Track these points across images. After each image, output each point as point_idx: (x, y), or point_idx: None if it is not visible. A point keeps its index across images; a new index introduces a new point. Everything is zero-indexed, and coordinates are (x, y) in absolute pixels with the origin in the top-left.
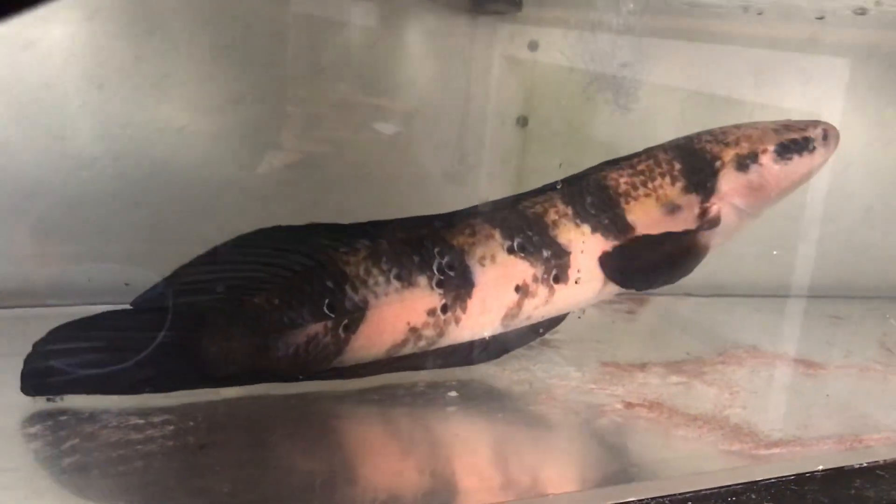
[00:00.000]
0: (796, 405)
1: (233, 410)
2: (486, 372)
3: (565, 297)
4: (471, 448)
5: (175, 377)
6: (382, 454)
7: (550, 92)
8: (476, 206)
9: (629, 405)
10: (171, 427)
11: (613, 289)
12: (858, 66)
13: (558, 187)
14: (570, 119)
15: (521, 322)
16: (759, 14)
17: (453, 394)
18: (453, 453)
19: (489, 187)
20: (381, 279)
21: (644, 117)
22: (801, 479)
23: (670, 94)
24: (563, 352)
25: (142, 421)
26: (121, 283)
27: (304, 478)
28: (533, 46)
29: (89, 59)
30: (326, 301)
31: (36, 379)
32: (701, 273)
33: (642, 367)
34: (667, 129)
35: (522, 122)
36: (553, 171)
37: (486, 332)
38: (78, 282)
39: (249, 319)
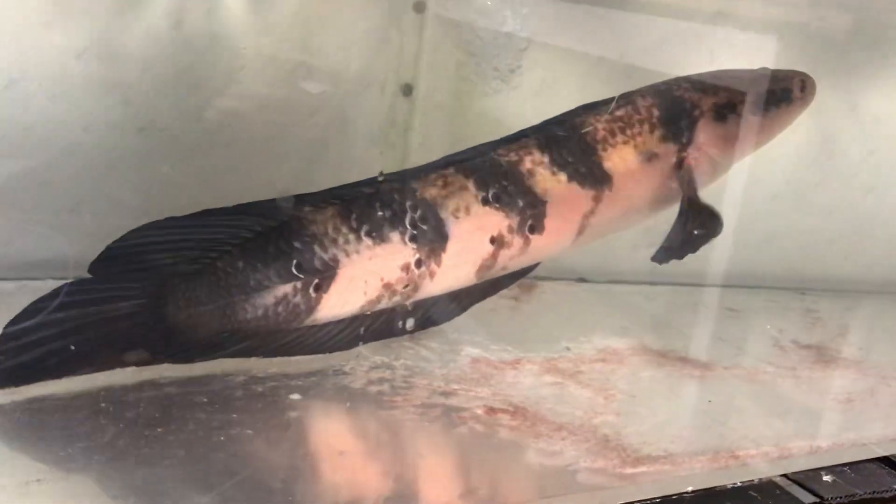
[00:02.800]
0: (674, 413)
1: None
2: (343, 368)
3: (540, 248)
4: (298, 464)
5: (142, 348)
6: (180, 474)
7: (437, 59)
8: (448, 157)
9: (491, 411)
10: None
11: (587, 239)
12: (773, 45)
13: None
14: (457, 88)
15: (496, 273)
16: None
17: (296, 396)
18: (277, 469)
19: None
20: (351, 237)
21: (539, 87)
22: (666, 501)
23: (569, 61)
24: (433, 345)
25: None
26: None
27: None
28: (419, 7)
29: None
30: (294, 261)
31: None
32: (596, 257)
33: (515, 363)
34: (564, 100)
35: (406, 90)
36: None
37: (462, 285)
38: None
39: (214, 283)
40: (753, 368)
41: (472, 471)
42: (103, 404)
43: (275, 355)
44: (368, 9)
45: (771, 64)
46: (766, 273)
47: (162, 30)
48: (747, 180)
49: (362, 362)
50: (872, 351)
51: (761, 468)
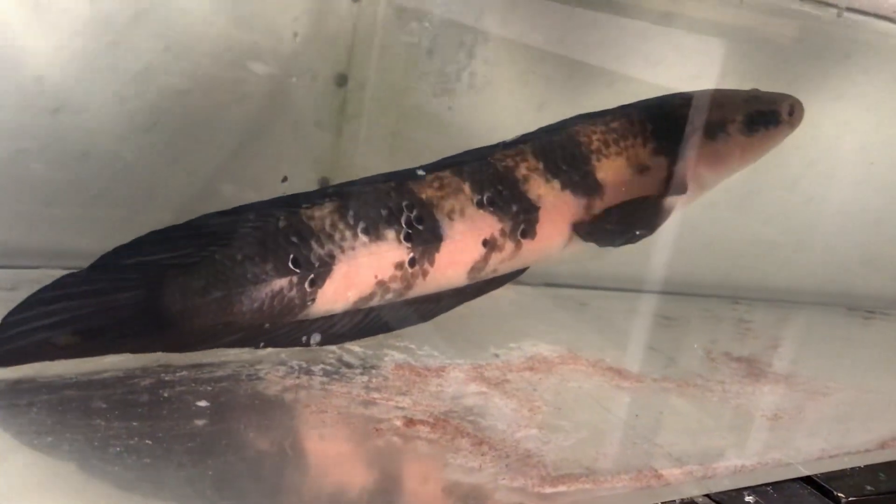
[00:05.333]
0: (599, 427)
1: None
2: (258, 373)
3: (531, 252)
4: (198, 482)
5: (139, 337)
6: (67, 489)
7: (375, 48)
8: (445, 159)
9: (410, 423)
10: None
11: (577, 246)
12: (719, 49)
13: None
14: (395, 80)
15: (486, 275)
16: None
17: (203, 403)
18: (175, 486)
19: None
20: (347, 233)
21: (483, 85)
22: None
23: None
24: (356, 349)
25: None
26: None
27: None
28: None
29: None
30: (291, 256)
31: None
32: None
33: (440, 371)
34: (511, 101)
35: (341, 80)
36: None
37: (453, 285)
38: None
39: (211, 275)
40: (683, 381)
41: (383, 489)
42: None
43: (268, 347)
44: None
45: (717, 68)
46: (702, 281)
47: (79, 7)
48: None
49: (279, 367)
50: (803, 365)
51: (684, 488)
